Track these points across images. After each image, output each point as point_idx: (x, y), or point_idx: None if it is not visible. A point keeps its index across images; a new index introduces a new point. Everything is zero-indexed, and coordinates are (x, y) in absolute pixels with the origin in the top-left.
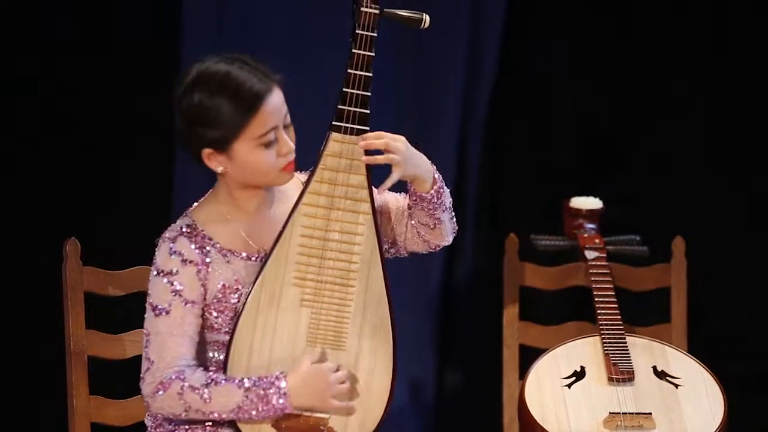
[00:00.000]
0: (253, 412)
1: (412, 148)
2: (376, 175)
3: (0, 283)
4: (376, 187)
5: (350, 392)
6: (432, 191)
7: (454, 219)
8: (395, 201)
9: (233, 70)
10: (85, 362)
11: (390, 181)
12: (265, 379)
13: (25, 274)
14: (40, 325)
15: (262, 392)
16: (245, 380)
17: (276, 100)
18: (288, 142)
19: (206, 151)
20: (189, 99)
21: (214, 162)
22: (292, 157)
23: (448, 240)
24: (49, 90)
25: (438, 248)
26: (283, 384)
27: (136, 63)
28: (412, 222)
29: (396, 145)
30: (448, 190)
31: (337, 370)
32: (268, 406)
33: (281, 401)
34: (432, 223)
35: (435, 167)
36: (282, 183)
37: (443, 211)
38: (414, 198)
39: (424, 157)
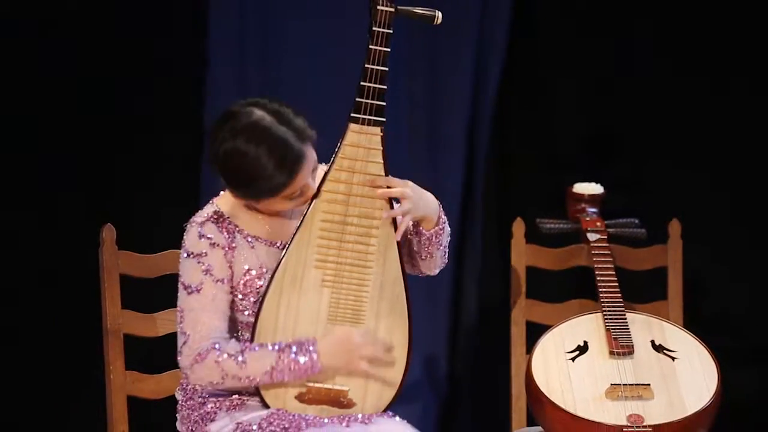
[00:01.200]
0: (286, 373)
1: (420, 189)
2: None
3: (42, 267)
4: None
5: (377, 355)
6: (433, 230)
7: (446, 256)
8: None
9: (277, 132)
10: (121, 339)
11: (403, 227)
12: (296, 341)
13: (65, 257)
14: (79, 306)
15: (293, 353)
16: (277, 344)
17: (309, 161)
18: (310, 189)
19: (234, 192)
20: (232, 146)
21: (237, 197)
22: (304, 197)
23: (434, 272)
24: (87, 81)
25: (423, 275)
26: (312, 346)
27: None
28: (409, 246)
29: (406, 192)
30: (447, 230)
31: (363, 336)
32: (299, 366)
33: (313, 360)
34: (424, 255)
35: (441, 207)
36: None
37: (437, 248)
38: (415, 230)
39: (432, 197)
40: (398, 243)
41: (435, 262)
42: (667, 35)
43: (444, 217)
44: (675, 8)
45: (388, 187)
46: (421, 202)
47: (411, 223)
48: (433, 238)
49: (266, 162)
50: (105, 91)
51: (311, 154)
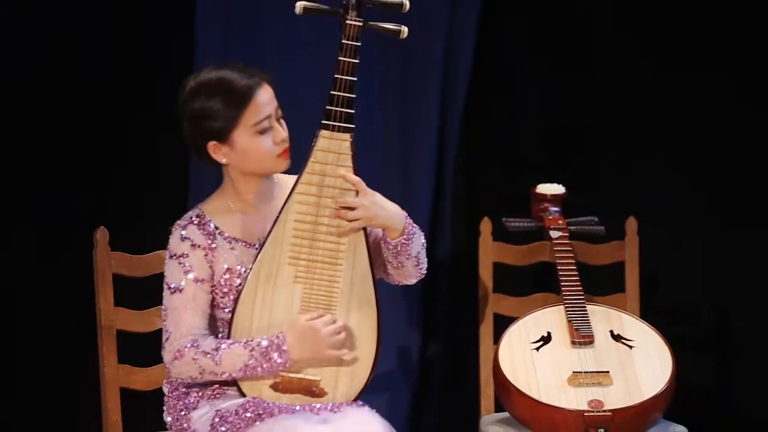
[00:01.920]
0: (259, 369)
1: (382, 202)
2: (374, 145)
3: (40, 268)
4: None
5: (342, 342)
6: (398, 240)
7: (422, 266)
8: (377, 230)
9: (224, 74)
10: (114, 335)
11: (354, 225)
12: (266, 338)
13: (60, 258)
14: (74, 304)
15: (264, 350)
16: (250, 341)
17: (266, 93)
18: (281, 130)
19: (211, 144)
20: (191, 105)
21: (219, 154)
22: (286, 144)
23: (410, 282)
24: (80, 84)
25: (400, 285)
26: (282, 342)
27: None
28: (381, 255)
29: (361, 201)
30: (416, 242)
31: (328, 325)
32: (271, 362)
33: (282, 357)
34: (395, 264)
35: (409, 219)
36: (280, 169)
37: (407, 258)
38: (383, 238)
39: (396, 208)
40: (367, 242)
41: (408, 271)
42: (625, 37)
43: (412, 229)
44: (636, 10)
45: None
46: (382, 212)
47: (380, 232)
48: (399, 247)
49: (216, 102)
50: (97, 96)
51: (265, 87)
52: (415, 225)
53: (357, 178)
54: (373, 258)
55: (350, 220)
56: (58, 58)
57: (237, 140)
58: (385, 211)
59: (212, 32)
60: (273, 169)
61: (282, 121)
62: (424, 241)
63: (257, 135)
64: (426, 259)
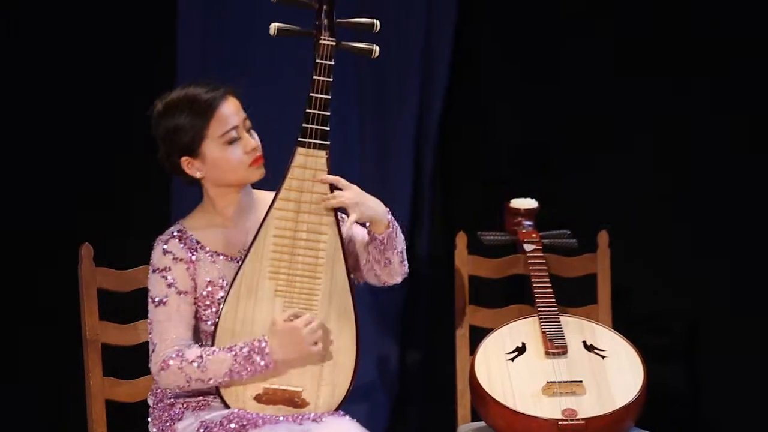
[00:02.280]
0: (243, 373)
1: (365, 195)
2: (348, 158)
3: (25, 283)
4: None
5: (324, 340)
6: (384, 234)
7: (406, 264)
8: (362, 233)
9: (189, 90)
10: (99, 348)
11: (349, 222)
12: (249, 343)
13: (46, 274)
14: (60, 318)
15: (247, 354)
16: (233, 347)
17: (230, 104)
18: (251, 140)
19: (183, 160)
20: (161, 125)
21: (193, 168)
22: (257, 153)
23: (397, 280)
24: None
25: (387, 285)
26: (264, 345)
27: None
28: (368, 256)
29: (345, 194)
30: (400, 235)
31: (307, 324)
32: (254, 365)
33: (265, 359)
34: (382, 262)
35: (391, 214)
36: (254, 178)
37: (393, 253)
38: (369, 236)
39: (379, 203)
40: (345, 256)
41: (394, 268)
42: (596, 58)
43: (395, 223)
44: (604, 28)
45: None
46: (368, 200)
47: (366, 234)
48: (386, 241)
49: (182, 118)
50: (81, 115)
51: (229, 99)
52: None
53: (335, 177)
54: (357, 263)
55: (337, 204)
56: (44, 77)
57: (207, 152)
58: (370, 200)
59: (191, 56)
60: (247, 179)
61: (252, 132)
62: (402, 237)
63: (226, 145)
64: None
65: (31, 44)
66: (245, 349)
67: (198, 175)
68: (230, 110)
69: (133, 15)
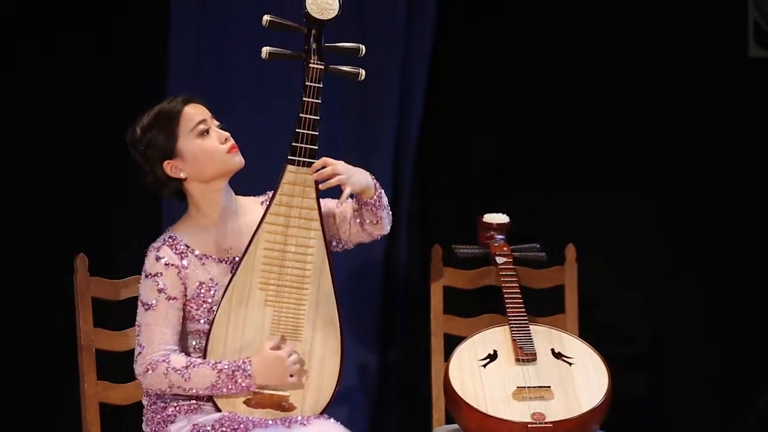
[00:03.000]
0: (224, 389)
1: (352, 167)
2: (330, 193)
3: (23, 293)
4: (331, 198)
5: (303, 373)
6: (374, 197)
7: (391, 213)
8: (339, 206)
9: (153, 109)
10: (93, 354)
11: (345, 195)
12: (234, 363)
13: (43, 284)
14: (56, 325)
15: (231, 374)
16: (218, 363)
17: (193, 107)
18: (221, 131)
19: (165, 164)
20: (137, 144)
21: (176, 170)
22: (231, 142)
23: (387, 230)
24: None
25: (379, 237)
26: (248, 368)
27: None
28: (358, 221)
29: (338, 168)
30: (384, 192)
31: (291, 355)
32: (236, 385)
33: (247, 381)
34: (375, 220)
35: (373, 177)
36: (235, 165)
37: (382, 209)
38: (361, 204)
39: (365, 172)
40: (331, 268)
41: (384, 222)
42: (561, 80)
43: (379, 185)
44: (575, 45)
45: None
46: (356, 175)
47: (354, 205)
48: (377, 202)
49: (153, 129)
50: (78, 135)
51: (192, 105)
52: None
53: (323, 158)
54: (338, 234)
55: (334, 179)
56: (36, 85)
57: (183, 149)
58: (358, 171)
59: (183, 79)
60: (227, 165)
61: (222, 131)
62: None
63: (199, 138)
64: None
65: (27, 50)
66: (230, 368)
67: (182, 175)
68: (194, 110)
69: (127, 22)
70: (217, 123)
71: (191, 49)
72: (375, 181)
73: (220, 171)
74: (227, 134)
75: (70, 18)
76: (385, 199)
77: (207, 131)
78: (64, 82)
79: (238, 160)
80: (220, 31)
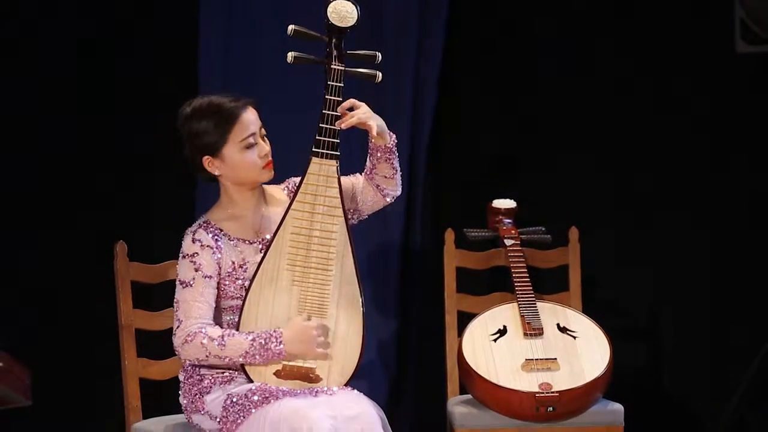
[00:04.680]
0: (257, 357)
1: (372, 111)
2: (353, 167)
3: (69, 277)
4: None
5: (328, 345)
6: (390, 141)
7: (401, 176)
8: (355, 179)
9: (214, 99)
10: (133, 333)
11: (374, 131)
12: (266, 332)
13: (87, 269)
14: (98, 307)
15: (263, 341)
16: (251, 333)
17: (250, 114)
18: (265, 146)
19: (205, 159)
20: (187, 127)
21: (213, 167)
22: (269, 158)
23: (399, 190)
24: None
25: (393, 199)
26: (279, 336)
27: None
28: (372, 179)
29: (365, 113)
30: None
31: (317, 327)
32: (268, 351)
33: (279, 347)
34: (391, 173)
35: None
36: (264, 179)
37: (395, 158)
38: (379, 153)
39: (380, 119)
40: (353, 251)
41: (397, 178)
42: (566, 75)
43: (392, 133)
44: (573, 41)
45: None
46: (377, 117)
47: (369, 162)
48: (393, 147)
49: (208, 123)
50: (122, 133)
51: (249, 109)
52: None
53: (350, 100)
54: (357, 206)
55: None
56: (68, 75)
57: (227, 155)
58: (378, 117)
59: (213, 77)
60: (258, 179)
61: (266, 139)
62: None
63: (244, 150)
64: None
65: (66, 38)
66: (263, 336)
67: (217, 172)
68: (250, 119)
69: (157, 17)
70: (264, 132)
71: (219, 54)
72: (391, 132)
73: (251, 181)
74: (268, 149)
75: (110, 26)
76: (396, 152)
77: (254, 145)
78: (106, 83)
79: (267, 176)
80: (247, 37)
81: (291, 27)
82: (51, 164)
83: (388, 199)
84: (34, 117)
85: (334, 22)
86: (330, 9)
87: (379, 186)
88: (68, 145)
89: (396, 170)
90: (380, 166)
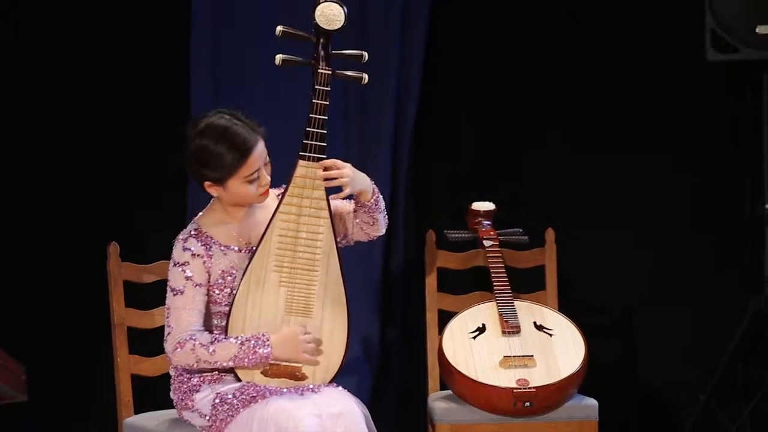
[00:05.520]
0: (246, 360)
1: (357, 171)
2: (333, 189)
3: (62, 277)
4: (332, 193)
5: (315, 348)
6: (371, 200)
7: (386, 216)
8: (347, 206)
9: (231, 126)
10: (125, 331)
11: (341, 195)
12: (254, 336)
13: (80, 270)
14: (92, 306)
15: (252, 345)
16: (240, 337)
17: (260, 149)
18: (265, 178)
19: (207, 183)
20: (197, 142)
21: (213, 190)
22: (267, 187)
23: (382, 231)
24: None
25: (375, 238)
26: (267, 340)
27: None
28: (357, 221)
29: (345, 172)
30: (382, 197)
31: (304, 334)
32: (256, 355)
33: (266, 351)
34: (372, 221)
35: (373, 182)
36: (259, 203)
37: (379, 212)
38: (359, 205)
39: (366, 176)
40: (339, 252)
41: (380, 223)
42: (544, 84)
43: (377, 189)
44: (551, 46)
45: (328, 170)
46: (358, 178)
47: (353, 206)
48: (373, 205)
49: (222, 150)
50: (116, 137)
51: (260, 144)
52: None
53: (332, 160)
54: (345, 232)
55: (342, 184)
56: (62, 76)
57: (230, 186)
58: (360, 175)
59: (204, 85)
60: (253, 203)
61: (268, 165)
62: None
63: (246, 183)
64: None
65: (60, 42)
66: (251, 341)
67: (215, 194)
68: (259, 154)
69: (148, 17)
70: (267, 159)
71: (209, 58)
72: (375, 187)
73: (245, 204)
74: (268, 180)
75: (101, 36)
76: (381, 204)
77: (257, 179)
78: (98, 88)
79: (262, 201)
80: (235, 41)
81: (279, 28)
82: (44, 165)
83: (372, 237)
84: (26, 118)
85: (321, 24)
86: (318, 12)
87: (363, 228)
88: (61, 147)
89: (376, 220)
90: (361, 215)
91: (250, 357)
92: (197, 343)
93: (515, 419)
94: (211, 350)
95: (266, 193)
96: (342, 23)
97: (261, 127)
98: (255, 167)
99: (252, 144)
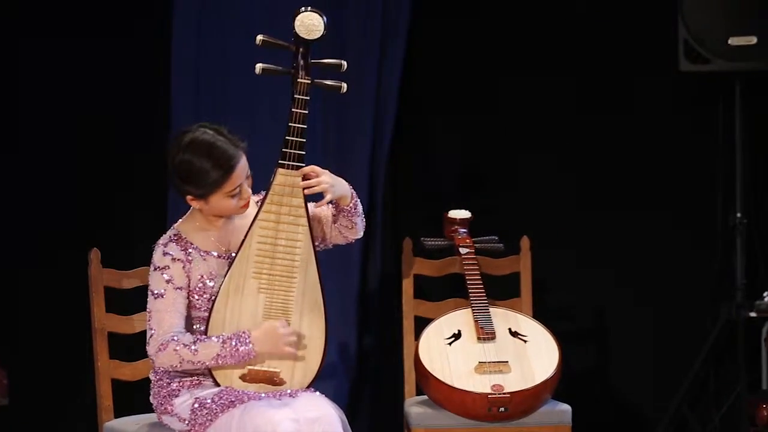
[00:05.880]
0: (228, 358)
1: (336, 177)
2: (312, 197)
3: (45, 283)
4: (314, 201)
5: (295, 341)
6: (350, 204)
7: (364, 220)
8: (325, 211)
9: (215, 142)
10: (105, 336)
11: (324, 201)
12: (235, 334)
13: (61, 275)
14: (73, 311)
15: (234, 343)
16: (221, 336)
17: (242, 164)
18: (247, 192)
19: (189, 197)
20: (182, 158)
21: (194, 203)
22: (248, 200)
23: (360, 234)
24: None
25: (353, 241)
26: (248, 337)
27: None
28: (336, 225)
29: (324, 179)
30: (360, 202)
31: (284, 327)
32: (238, 353)
33: (248, 347)
34: (350, 225)
35: (351, 186)
36: (240, 214)
37: (357, 216)
38: (338, 210)
39: (344, 181)
40: (317, 259)
41: (358, 227)
42: (525, 92)
43: (356, 195)
44: (531, 56)
45: (308, 178)
46: (338, 184)
47: (333, 211)
48: (353, 209)
49: (207, 166)
50: (97, 151)
51: (243, 159)
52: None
53: (311, 166)
54: (324, 236)
55: (321, 190)
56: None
57: (211, 200)
58: (339, 180)
59: (185, 99)
60: (232, 214)
61: (249, 178)
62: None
63: (229, 198)
64: None
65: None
66: (232, 339)
67: (196, 207)
68: (241, 169)
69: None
70: (249, 172)
71: (191, 65)
72: (352, 191)
73: (225, 216)
74: (249, 194)
75: (86, 35)
76: (360, 207)
77: (239, 194)
78: (82, 92)
79: (242, 212)
80: (217, 48)
81: (259, 37)
82: (22, 170)
83: (350, 240)
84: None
85: (301, 34)
86: (297, 21)
87: (342, 232)
88: (51, 150)
89: (355, 224)
90: (341, 220)
91: (233, 354)
92: (180, 343)
93: (490, 424)
94: (193, 350)
95: (246, 206)
96: (321, 33)
97: (243, 142)
98: (237, 183)
99: (236, 161)
